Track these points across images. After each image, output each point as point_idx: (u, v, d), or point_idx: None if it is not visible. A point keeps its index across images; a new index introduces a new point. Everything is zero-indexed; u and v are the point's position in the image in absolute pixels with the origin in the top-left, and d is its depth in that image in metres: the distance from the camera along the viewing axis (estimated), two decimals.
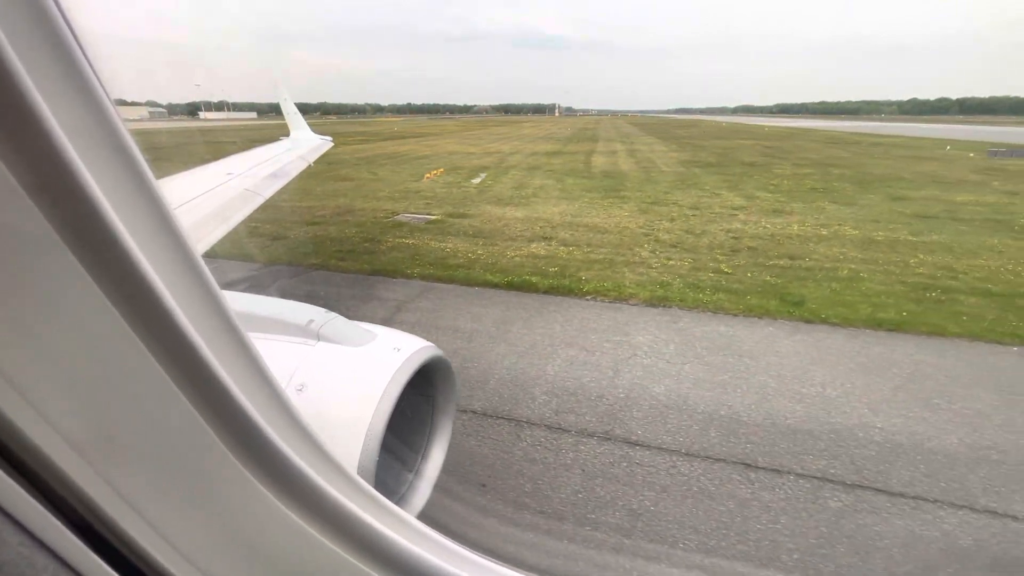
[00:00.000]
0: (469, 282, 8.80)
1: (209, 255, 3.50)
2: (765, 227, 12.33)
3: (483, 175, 22.11)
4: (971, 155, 30.43)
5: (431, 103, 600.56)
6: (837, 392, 5.36)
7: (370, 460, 1.50)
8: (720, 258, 9.92)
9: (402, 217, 13.77)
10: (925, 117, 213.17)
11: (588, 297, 8.11)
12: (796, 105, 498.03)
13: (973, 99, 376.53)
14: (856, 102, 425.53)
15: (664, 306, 7.73)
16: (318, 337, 1.74)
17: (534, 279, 8.73)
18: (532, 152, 33.42)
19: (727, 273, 9.02)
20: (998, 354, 6.24)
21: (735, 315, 7.38)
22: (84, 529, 0.57)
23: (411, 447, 1.90)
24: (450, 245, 10.99)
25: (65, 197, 0.44)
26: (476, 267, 9.49)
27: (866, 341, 6.56)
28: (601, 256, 10.14)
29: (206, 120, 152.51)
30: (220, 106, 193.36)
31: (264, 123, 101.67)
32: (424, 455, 1.91)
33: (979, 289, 8.20)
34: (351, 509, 0.74)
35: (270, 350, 1.69)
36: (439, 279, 8.98)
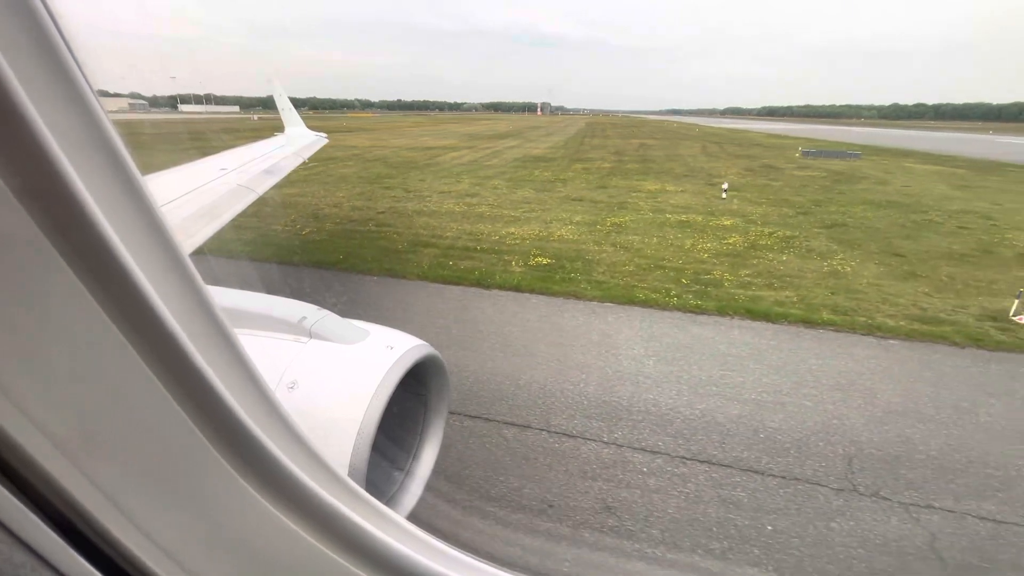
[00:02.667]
0: None
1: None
2: (426, 206, 15.17)
3: (311, 164, 24.93)
4: (797, 155, 33.48)
5: (421, 100, 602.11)
6: None
7: (361, 459, 1.49)
8: (328, 227, 12.78)
9: None
10: (897, 122, 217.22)
11: None
12: (782, 108, 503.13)
13: (948, 105, 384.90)
14: (840, 106, 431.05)
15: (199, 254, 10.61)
16: (310, 334, 1.72)
17: None
18: (413, 147, 36.24)
19: (304, 235, 11.89)
20: (365, 281, 9.14)
21: (253, 260, 10.25)
22: (64, 526, 0.56)
23: (402, 447, 1.87)
24: None
25: (49, 195, 0.43)
26: None
27: (294, 274, 9.46)
28: (238, 222, 12.99)
29: (183, 113, 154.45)
30: (199, 99, 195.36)
31: (241, 116, 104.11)
32: (415, 455, 1.88)
33: (446, 243, 11.10)
34: (339, 509, 0.73)
35: (262, 347, 1.69)
36: None
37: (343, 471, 1.35)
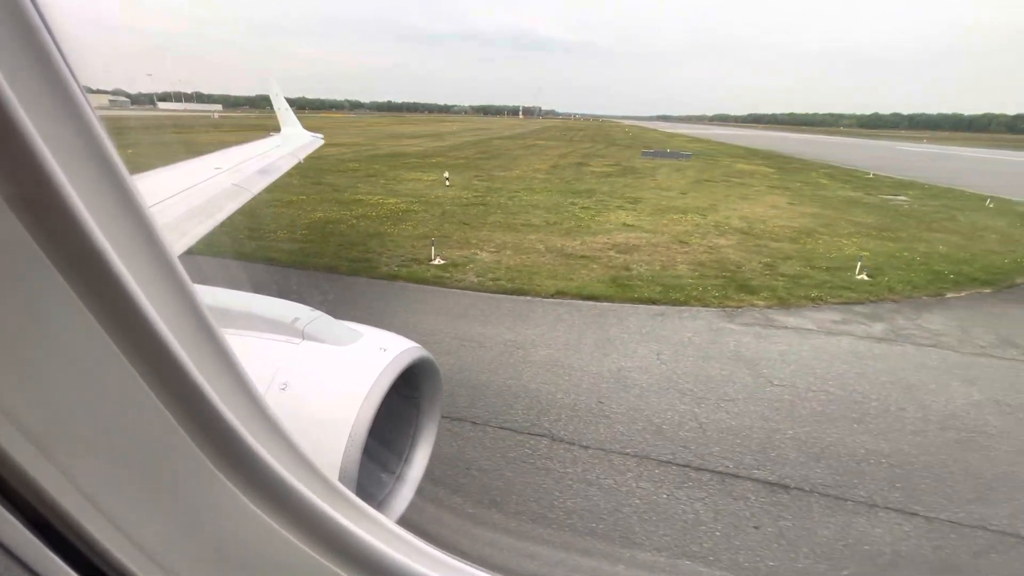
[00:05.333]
0: None
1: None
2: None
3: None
4: (637, 156, 36.50)
5: (412, 101, 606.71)
6: None
7: (352, 462, 1.49)
8: None
9: None
10: (871, 131, 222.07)
11: None
12: (767, 116, 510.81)
13: (922, 116, 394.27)
14: (822, 114, 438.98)
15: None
16: (303, 335, 1.73)
17: None
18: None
19: None
20: None
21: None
22: (40, 525, 0.55)
23: (394, 450, 1.88)
24: None
25: (40, 199, 0.43)
26: None
27: None
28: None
29: (161, 111, 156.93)
30: (180, 97, 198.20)
31: (203, 114, 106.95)
32: (407, 459, 1.89)
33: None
34: (327, 512, 0.73)
35: (254, 348, 1.69)
36: None
37: (334, 473, 1.36)
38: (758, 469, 4.48)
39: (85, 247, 0.47)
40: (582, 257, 11.02)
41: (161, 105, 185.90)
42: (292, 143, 9.89)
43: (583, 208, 16.13)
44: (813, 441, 4.88)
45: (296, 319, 1.75)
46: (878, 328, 7.77)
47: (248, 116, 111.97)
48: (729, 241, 12.79)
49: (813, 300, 8.89)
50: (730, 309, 8.41)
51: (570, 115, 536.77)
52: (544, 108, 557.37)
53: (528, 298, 8.68)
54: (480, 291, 8.95)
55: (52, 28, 0.45)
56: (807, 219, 15.90)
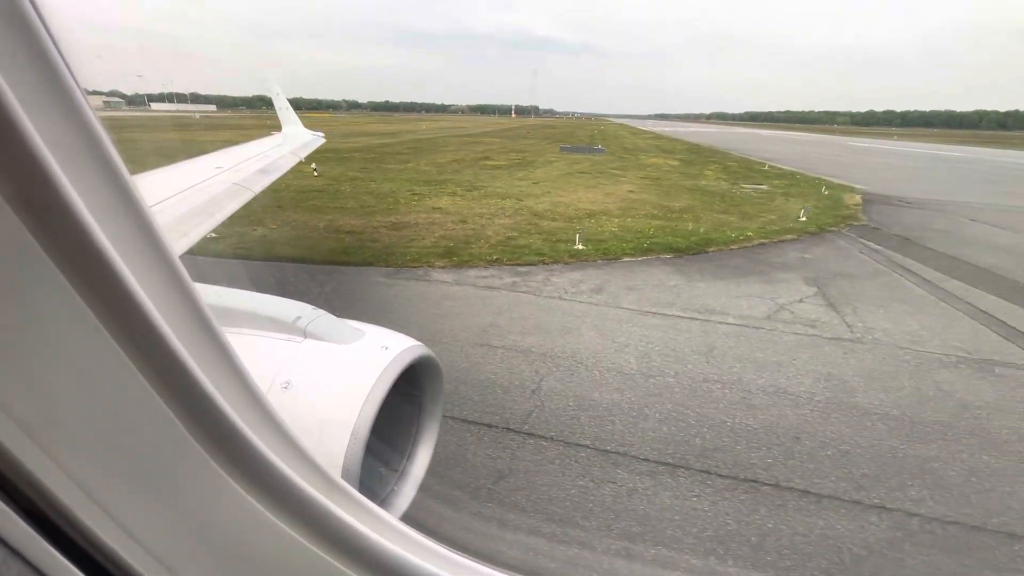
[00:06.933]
0: None
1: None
2: None
3: None
4: (556, 150, 38.08)
5: (409, 101, 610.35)
6: None
7: (354, 460, 1.51)
8: None
9: None
10: (862, 129, 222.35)
11: None
12: (763, 113, 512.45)
13: (914, 112, 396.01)
14: (818, 112, 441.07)
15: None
16: (305, 334, 1.75)
17: None
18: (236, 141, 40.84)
19: None
20: None
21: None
22: (39, 519, 0.56)
23: (396, 448, 1.92)
24: None
25: (37, 194, 0.44)
26: None
27: None
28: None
29: (153, 112, 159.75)
30: (171, 98, 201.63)
31: (185, 114, 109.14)
32: (409, 457, 1.92)
33: None
34: (331, 509, 0.74)
35: (256, 346, 1.72)
36: None
37: (336, 471, 1.40)
38: None
39: (86, 247, 0.48)
40: (348, 232, 12.63)
41: (154, 106, 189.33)
42: (293, 142, 10.08)
43: (414, 195, 17.73)
44: None
45: (298, 318, 1.78)
46: (506, 281, 9.35)
47: (231, 117, 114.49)
48: (509, 221, 14.33)
49: (491, 262, 10.47)
50: (407, 269, 9.99)
51: (569, 114, 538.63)
52: (542, 107, 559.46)
53: (242, 261, 10.32)
54: (211, 256, 10.58)
55: (51, 28, 0.46)
56: (622, 204, 17.42)
